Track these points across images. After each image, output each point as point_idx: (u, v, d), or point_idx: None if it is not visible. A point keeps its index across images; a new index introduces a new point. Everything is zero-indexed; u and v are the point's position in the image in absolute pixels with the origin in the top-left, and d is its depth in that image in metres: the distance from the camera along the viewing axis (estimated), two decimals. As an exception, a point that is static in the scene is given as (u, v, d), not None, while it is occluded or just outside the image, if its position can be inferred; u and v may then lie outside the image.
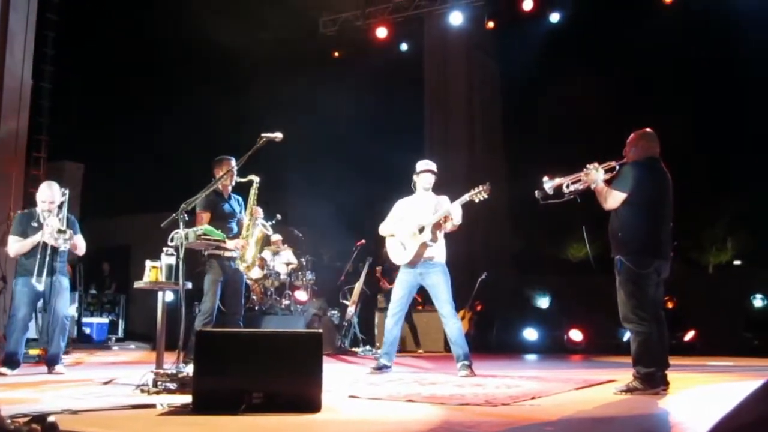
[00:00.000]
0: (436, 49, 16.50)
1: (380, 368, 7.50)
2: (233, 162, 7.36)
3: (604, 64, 14.14)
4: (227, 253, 7.37)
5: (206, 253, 7.34)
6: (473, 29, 15.61)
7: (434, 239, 7.47)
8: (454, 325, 7.44)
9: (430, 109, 16.51)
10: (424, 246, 7.48)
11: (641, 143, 5.92)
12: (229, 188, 7.64)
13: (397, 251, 7.76)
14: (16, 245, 7.69)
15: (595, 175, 5.89)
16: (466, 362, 7.25)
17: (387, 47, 16.24)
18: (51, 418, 2.64)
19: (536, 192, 6.14)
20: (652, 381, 5.49)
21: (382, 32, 15.98)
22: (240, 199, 7.79)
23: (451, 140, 16.05)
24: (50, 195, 7.67)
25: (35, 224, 7.65)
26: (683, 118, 12.95)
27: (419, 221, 7.56)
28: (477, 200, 7.37)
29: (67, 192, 7.82)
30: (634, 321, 5.59)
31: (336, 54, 16.87)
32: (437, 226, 7.49)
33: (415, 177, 7.98)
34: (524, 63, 14.46)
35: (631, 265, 5.62)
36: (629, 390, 5.50)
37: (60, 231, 7.44)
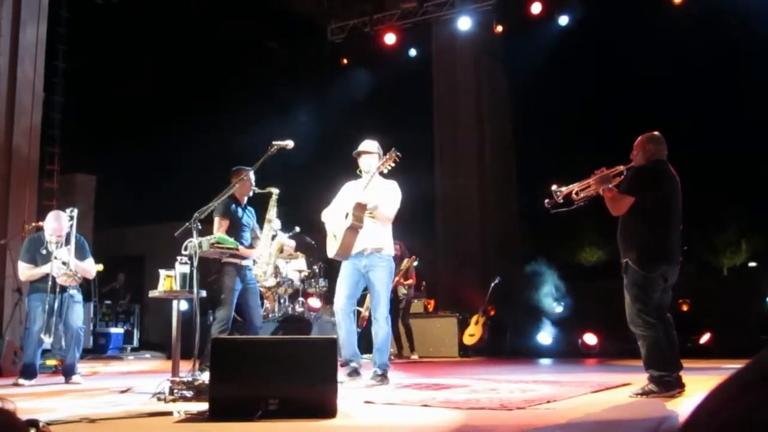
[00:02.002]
0: (445, 54, 16.52)
1: (354, 372, 6.92)
2: (251, 173, 7.40)
3: (614, 67, 14.13)
4: (244, 262, 7.47)
5: (223, 261, 7.39)
6: (481, 34, 15.61)
7: (359, 224, 6.66)
8: (384, 331, 6.84)
9: (438, 114, 16.52)
10: (350, 233, 6.72)
11: (648, 146, 5.89)
12: (245, 198, 7.68)
13: (329, 241, 7.06)
14: (26, 272, 7.79)
15: (603, 180, 5.88)
16: (381, 372, 6.76)
17: (395, 53, 16.27)
18: (42, 423, 2.67)
19: (546, 201, 6.13)
20: (667, 384, 5.47)
21: (390, 38, 16.01)
22: (253, 210, 7.82)
23: (460, 145, 16.06)
24: (58, 228, 7.74)
25: (44, 251, 7.72)
26: (696, 118, 12.93)
27: (346, 207, 6.84)
28: (386, 170, 6.74)
29: (75, 214, 7.86)
30: (640, 325, 5.57)
31: (344, 61, 16.92)
32: (360, 209, 6.67)
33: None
34: (533, 67, 14.45)
35: (638, 268, 5.59)
36: (644, 393, 5.48)
37: (66, 273, 7.52)
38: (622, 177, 5.92)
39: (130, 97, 14.93)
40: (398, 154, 6.58)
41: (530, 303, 13.51)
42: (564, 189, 6.07)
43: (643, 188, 5.67)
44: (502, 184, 16.00)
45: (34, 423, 2.77)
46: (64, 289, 7.64)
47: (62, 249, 7.63)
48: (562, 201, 6.07)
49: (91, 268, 8.02)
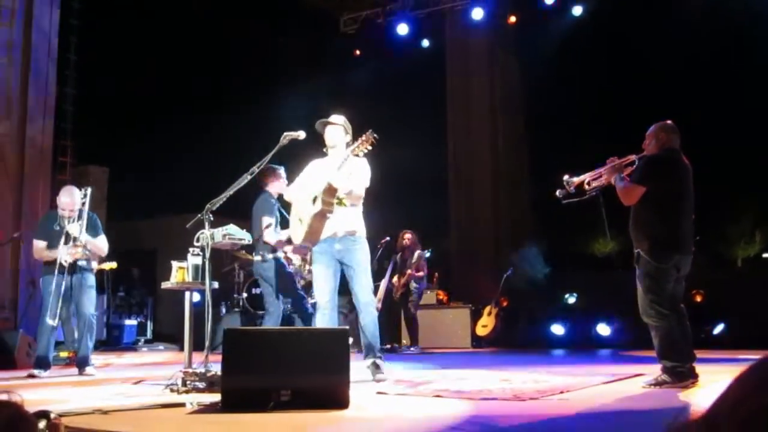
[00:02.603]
0: (458, 45, 16.46)
1: None
2: (281, 171, 7.88)
3: (627, 57, 14.04)
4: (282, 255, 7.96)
5: (270, 257, 7.82)
6: (494, 24, 15.56)
7: (328, 209, 6.24)
8: (372, 315, 6.43)
9: (451, 105, 16.47)
10: (319, 218, 6.29)
11: (661, 135, 5.84)
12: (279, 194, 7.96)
13: (294, 225, 6.67)
14: (40, 252, 7.83)
15: (615, 169, 5.85)
16: (378, 358, 6.38)
17: (408, 44, 16.24)
18: (53, 415, 2.67)
19: (557, 191, 6.10)
20: (680, 374, 5.45)
21: (403, 29, 15.98)
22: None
23: (473, 136, 16.02)
24: (70, 203, 7.76)
25: (57, 227, 7.74)
26: (709, 108, 12.84)
27: (314, 190, 6.36)
28: (362, 154, 6.17)
29: (89, 192, 7.89)
30: (652, 315, 5.54)
31: (357, 52, 16.90)
32: (330, 193, 6.21)
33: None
34: (546, 57, 14.40)
35: (650, 259, 5.55)
36: (658, 383, 5.46)
37: (76, 245, 7.54)
38: (634, 166, 5.89)
39: (142, 89, 14.96)
40: (375, 135, 6.10)
41: (543, 294, 13.50)
42: (575, 179, 6.04)
43: (655, 178, 5.64)
44: (515, 175, 15.96)
45: (44, 414, 2.77)
46: (74, 270, 7.64)
47: (74, 224, 7.65)
48: (573, 191, 6.04)
49: (103, 245, 8.02)
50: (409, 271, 12.03)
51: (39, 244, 7.85)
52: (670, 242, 5.60)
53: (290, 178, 7.39)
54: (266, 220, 7.80)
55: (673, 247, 5.61)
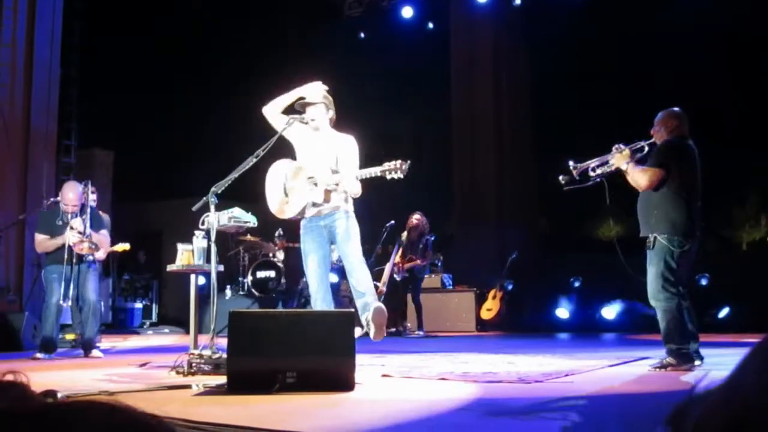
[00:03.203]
0: (463, 27, 16.37)
1: None
2: None
3: (635, 40, 13.95)
4: None
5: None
6: (500, 6, 15.48)
7: (326, 200, 6.07)
8: (365, 271, 6.10)
9: (456, 88, 16.42)
10: (307, 205, 6.15)
11: (672, 122, 5.87)
12: None
13: (277, 196, 6.30)
14: (43, 243, 7.87)
15: (624, 156, 5.84)
16: (379, 309, 5.92)
17: (413, 27, 16.18)
18: (60, 394, 2.68)
19: (561, 177, 6.09)
20: (685, 356, 5.48)
21: (407, 12, 15.92)
22: None
23: (477, 119, 15.97)
24: (74, 198, 7.82)
25: (59, 222, 7.79)
26: (715, 92, 12.78)
27: (315, 171, 6.09)
28: (388, 177, 5.85)
29: (89, 185, 7.95)
30: (662, 299, 5.57)
31: (362, 35, 16.85)
32: (328, 195, 6.08)
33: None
34: (552, 38, 14.31)
35: (667, 243, 5.59)
36: (663, 366, 5.48)
37: (82, 240, 7.59)
38: (644, 152, 5.89)
39: (147, 72, 14.94)
40: (408, 167, 5.78)
41: (548, 278, 13.49)
42: (581, 165, 6.03)
43: (675, 163, 5.68)
44: (520, 157, 15.92)
45: (51, 394, 2.77)
46: (80, 259, 7.69)
47: (77, 219, 7.69)
48: (578, 177, 6.03)
49: (106, 240, 8.10)
50: (419, 261, 12.03)
51: (41, 237, 7.89)
52: (687, 227, 5.64)
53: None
54: None
55: (690, 231, 5.66)
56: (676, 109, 5.96)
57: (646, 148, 5.91)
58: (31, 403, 0.95)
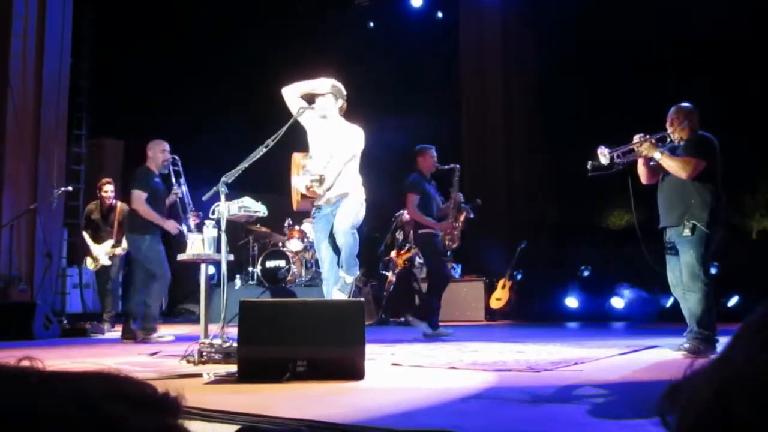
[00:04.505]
0: (472, 16, 16.31)
1: None
2: (433, 150, 8.88)
3: (645, 28, 13.87)
4: (435, 231, 8.59)
5: (420, 231, 8.65)
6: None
7: (315, 198, 6.30)
8: (350, 241, 6.12)
9: (465, 76, 16.38)
10: (305, 200, 6.39)
11: (694, 116, 6.06)
12: (429, 174, 8.88)
13: (294, 188, 6.52)
14: (149, 213, 8.22)
15: (653, 146, 5.89)
16: (351, 279, 6.19)
17: (422, 16, 16.16)
18: None
19: (589, 163, 6.10)
20: (714, 344, 5.66)
21: (417, 1, 15.90)
22: (434, 183, 9.00)
23: (488, 107, 15.93)
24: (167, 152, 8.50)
25: (157, 179, 8.38)
26: (723, 80, 12.71)
27: (312, 163, 6.27)
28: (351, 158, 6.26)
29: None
30: (699, 286, 5.75)
31: (371, 24, 16.83)
32: (313, 190, 6.22)
33: None
34: (562, 27, 14.24)
35: (707, 229, 5.76)
36: (695, 351, 5.65)
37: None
38: (666, 144, 6.02)
39: (158, 62, 14.93)
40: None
41: (557, 267, 13.46)
42: (610, 151, 6.01)
43: (712, 155, 5.88)
44: (529, 146, 15.88)
45: None
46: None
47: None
48: (606, 164, 6.03)
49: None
50: (414, 250, 12.05)
51: (143, 196, 8.25)
52: (720, 215, 5.89)
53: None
54: (410, 197, 8.62)
55: (722, 219, 5.95)
56: (689, 104, 6.12)
57: (668, 139, 6.00)
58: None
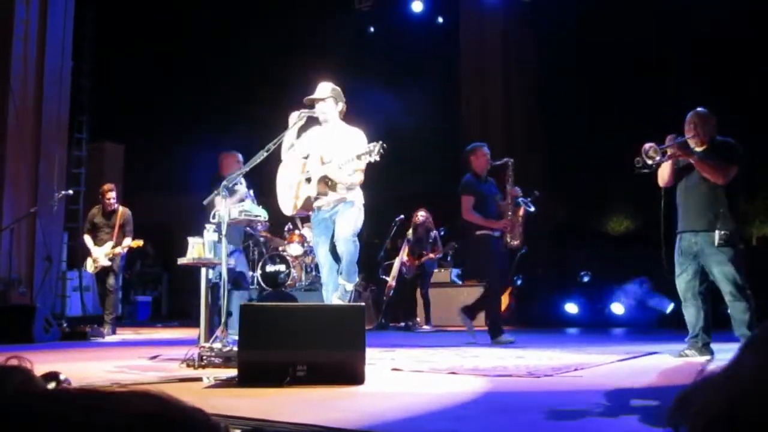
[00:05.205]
0: (472, 21, 16.33)
1: None
2: (485, 148, 8.56)
3: (647, 29, 13.84)
4: (495, 233, 8.21)
5: (477, 233, 8.20)
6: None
7: (323, 193, 6.21)
8: (350, 249, 6.14)
9: (466, 82, 16.39)
10: (309, 201, 6.28)
11: (713, 122, 6.05)
12: (485, 172, 8.54)
13: (283, 194, 6.46)
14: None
15: (687, 147, 5.88)
16: (351, 286, 6.26)
17: (422, 21, 16.18)
18: (63, 376, 2.68)
19: (637, 160, 5.97)
20: None
21: (417, 6, 15.92)
22: (493, 181, 8.62)
23: (487, 113, 15.94)
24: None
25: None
26: (723, 81, 12.68)
27: (311, 166, 6.26)
28: (364, 161, 5.94)
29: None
30: (748, 293, 5.84)
31: (371, 29, 16.86)
32: (325, 184, 6.19)
33: None
34: (562, 32, 14.24)
35: (738, 238, 5.83)
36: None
37: None
38: (702, 147, 6.01)
39: (159, 66, 14.96)
40: (384, 146, 5.82)
41: (557, 272, 13.46)
42: (661, 147, 5.93)
43: (741, 161, 5.91)
44: (529, 151, 15.89)
45: (53, 376, 2.76)
46: None
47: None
48: (654, 162, 5.95)
49: None
50: (431, 255, 12.06)
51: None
52: (740, 223, 6.00)
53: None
54: (463, 199, 8.31)
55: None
56: (706, 109, 6.11)
57: (691, 144, 6.01)
58: (35, 388, 0.96)
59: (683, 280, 6.02)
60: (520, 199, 8.41)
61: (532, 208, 8.53)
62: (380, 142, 5.83)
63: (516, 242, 8.31)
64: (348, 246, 6.13)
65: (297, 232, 12.57)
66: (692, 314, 6.02)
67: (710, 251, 5.78)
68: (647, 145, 5.90)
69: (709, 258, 5.81)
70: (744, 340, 0.91)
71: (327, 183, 6.16)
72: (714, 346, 6.12)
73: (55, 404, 0.83)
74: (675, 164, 6.00)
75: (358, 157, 5.91)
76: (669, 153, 5.90)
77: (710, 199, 5.84)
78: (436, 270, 12.76)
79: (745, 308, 5.76)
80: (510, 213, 8.27)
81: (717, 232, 5.73)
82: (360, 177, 6.19)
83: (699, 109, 6.05)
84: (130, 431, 0.80)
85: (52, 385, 2.80)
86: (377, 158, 5.84)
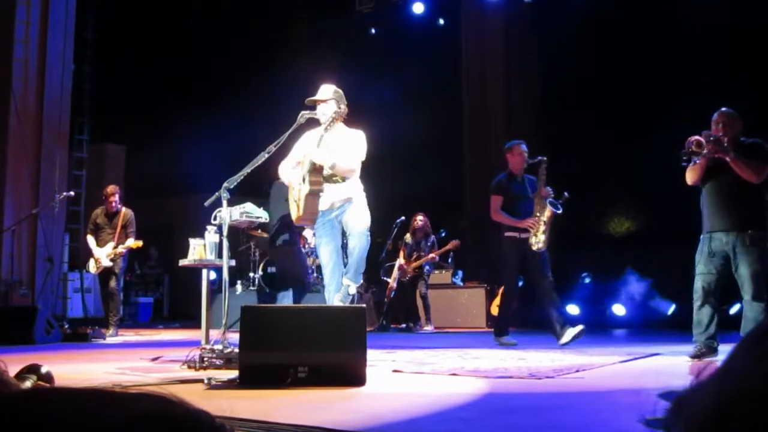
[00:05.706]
0: (474, 23, 16.33)
1: None
2: (522, 146, 8.31)
3: (650, 32, 13.83)
4: (522, 234, 7.99)
5: (506, 235, 8.10)
6: (511, 1, 15.46)
7: (318, 188, 6.06)
8: (361, 245, 6.13)
9: (467, 84, 16.38)
10: (311, 199, 6.07)
11: (740, 121, 6.04)
12: (521, 171, 8.33)
13: (291, 206, 6.43)
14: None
15: (721, 144, 5.84)
16: (355, 287, 6.22)
17: (424, 23, 16.17)
18: (45, 369, 2.67)
19: (683, 152, 5.90)
20: None
21: (418, 8, 15.91)
22: (533, 180, 8.32)
23: (489, 115, 15.93)
24: None
25: None
26: (724, 81, 12.66)
27: (304, 170, 6.17)
28: (332, 126, 6.10)
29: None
30: (766, 295, 5.77)
31: (373, 31, 16.85)
32: (316, 172, 6.05)
33: None
34: (564, 34, 14.23)
35: (764, 240, 5.77)
36: None
37: None
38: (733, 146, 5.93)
39: (160, 67, 14.97)
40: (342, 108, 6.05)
41: (558, 273, 13.44)
42: (696, 141, 5.88)
43: None
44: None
45: (33, 369, 2.74)
46: None
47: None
48: (694, 159, 5.91)
49: None
50: (431, 255, 12.07)
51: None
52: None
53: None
54: (492, 198, 8.25)
55: None
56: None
57: (732, 146, 5.94)
58: (6, 388, 0.96)
59: (706, 280, 5.95)
60: (550, 200, 8.10)
61: (560, 210, 8.22)
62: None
63: (539, 245, 7.93)
64: (362, 240, 6.11)
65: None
66: (708, 315, 5.98)
67: (741, 250, 5.75)
68: (692, 138, 5.84)
69: (740, 257, 5.78)
70: (738, 341, 0.91)
71: (317, 168, 6.04)
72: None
73: (64, 403, 0.83)
74: (708, 161, 5.92)
75: (325, 128, 6.11)
76: (705, 150, 5.83)
77: (741, 198, 5.82)
78: (436, 272, 12.77)
79: (763, 309, 5.72)
80: (537, 213, 7.99)
81: (749, 231, 5.72)
82: (351, 165, 6.15)
83: (724, 108, 6.01)
84: (137, 431, 0.79)
85: (32, 379, 2.78)
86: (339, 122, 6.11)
